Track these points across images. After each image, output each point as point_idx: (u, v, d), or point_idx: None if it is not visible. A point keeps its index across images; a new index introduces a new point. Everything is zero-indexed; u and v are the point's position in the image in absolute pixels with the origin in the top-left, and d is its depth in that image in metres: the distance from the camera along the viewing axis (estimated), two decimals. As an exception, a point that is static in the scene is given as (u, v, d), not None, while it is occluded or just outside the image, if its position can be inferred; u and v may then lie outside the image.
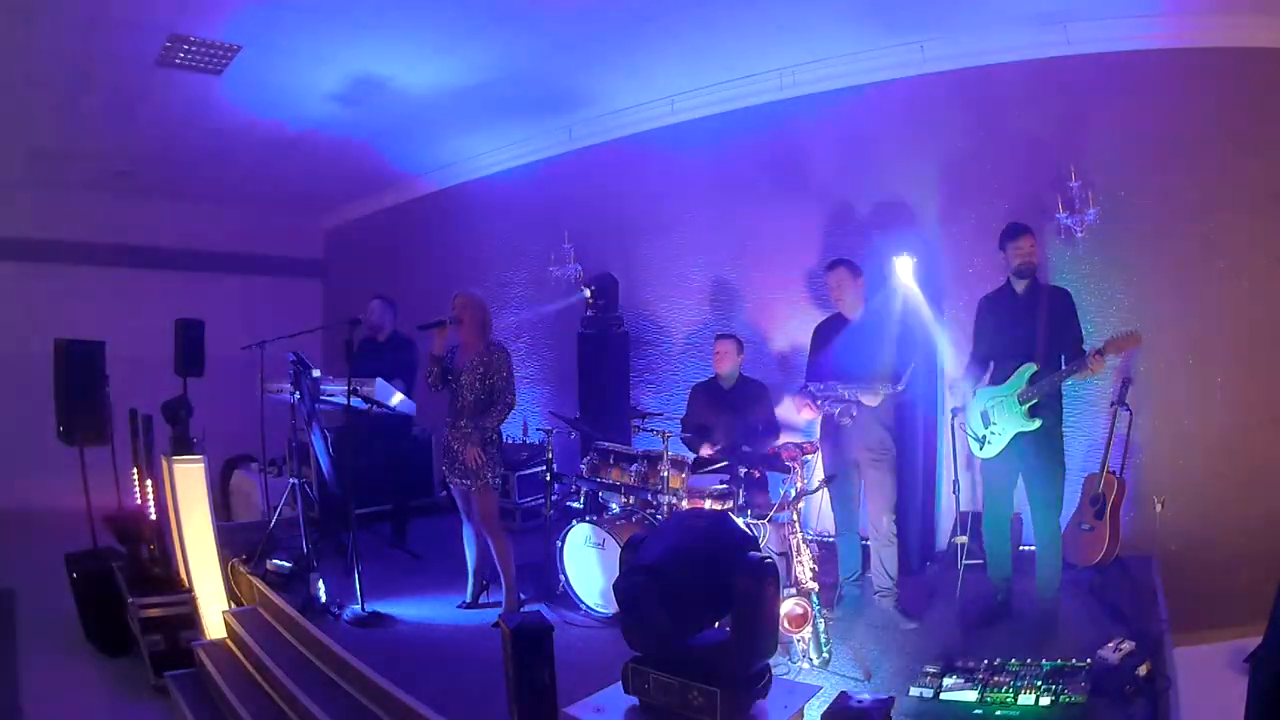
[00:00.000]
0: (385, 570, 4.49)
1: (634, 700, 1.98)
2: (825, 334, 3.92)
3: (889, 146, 4.95)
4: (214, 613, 4.28)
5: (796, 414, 3.98)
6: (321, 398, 4.48)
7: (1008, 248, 3.51)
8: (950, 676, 2.86)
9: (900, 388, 3.46)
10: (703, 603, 1.83)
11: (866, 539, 3.84)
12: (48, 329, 5.35)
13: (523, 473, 5.73)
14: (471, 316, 3.82)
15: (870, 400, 3.49)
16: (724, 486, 3.75)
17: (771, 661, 2.00)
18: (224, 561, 4.49)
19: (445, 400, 3.88)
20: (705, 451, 4.20)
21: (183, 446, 4.45)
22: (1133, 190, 4.23)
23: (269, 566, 4.28)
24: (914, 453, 4.27)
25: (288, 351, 4.39)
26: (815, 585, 3.24)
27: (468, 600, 3.99)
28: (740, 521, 3.51)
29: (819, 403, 3.63)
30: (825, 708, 2.13)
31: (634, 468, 4.05)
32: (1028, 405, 3.35)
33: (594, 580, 3.84)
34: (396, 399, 4.57)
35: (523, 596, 3.97)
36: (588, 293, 5.82)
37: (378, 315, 5.20)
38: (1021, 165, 4.50)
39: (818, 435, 3.92)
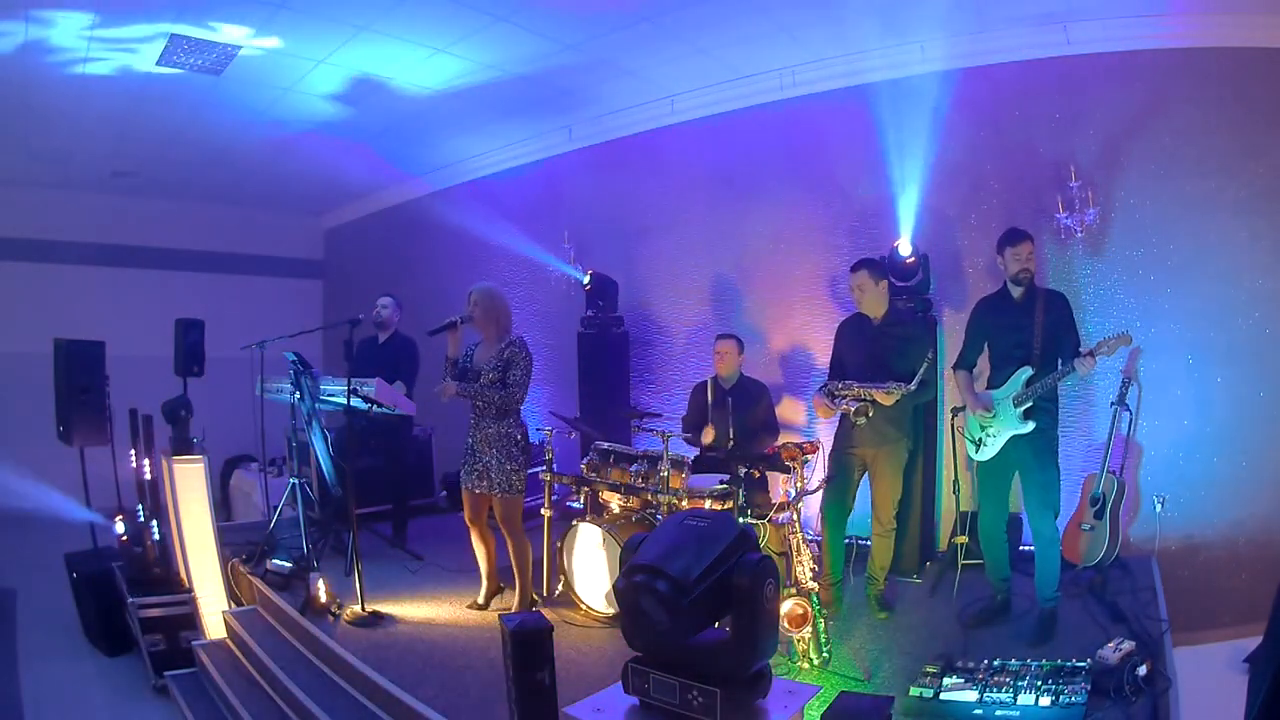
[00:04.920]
0: (385, 570, 4.50)
1: (634, 700, 1.98)
2: (846, 333, 3.92)
3: (888, 147, 4.94)
4: (214, 613, 4.28)
5: (816, 412, 3.98)
6: (321, 397, 4.48)
7: (1006, 253, 3.49)
8: (950, 676, 2.86)
9: (913, 387, 3.46)
10: (703, 603, 1.83)
11: (852, 539, 3.86)
12: (48, 329, 5.35)
13: (523, 473, 5.72)
14: (486, 311, 3.71)
15: (886, 399, 3.49)
16: (724, 486, 3.76)
17: (771, 661, 1.99)
18: (224, 561, 4.49)
19: (456, 401, 3.72)
20: (707, 437, 4.18)
21: (183, 446, 4.45)
22: (1132, 190, 4.23)
23: (269, 566, 4.28)
24: (916, 453, 4.26)
25: (287, 351, 4.40)
26: (815, 585, 3.24)
27: (480, 602, 3.96)
28: (740, 521, 3.52)
29: (836, 401, 3.63)
30: (825, 708, 2.12)
31: (634, 468, 4.04)
32: (1022, 408, 3.38)
33: (594, 580, 3.83)
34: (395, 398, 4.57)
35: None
36: (586, 279, 5.81)
37: (390, 312, 5.22)
38: (1021, 165, 4.50)
39: (833, 433, 3.91)
